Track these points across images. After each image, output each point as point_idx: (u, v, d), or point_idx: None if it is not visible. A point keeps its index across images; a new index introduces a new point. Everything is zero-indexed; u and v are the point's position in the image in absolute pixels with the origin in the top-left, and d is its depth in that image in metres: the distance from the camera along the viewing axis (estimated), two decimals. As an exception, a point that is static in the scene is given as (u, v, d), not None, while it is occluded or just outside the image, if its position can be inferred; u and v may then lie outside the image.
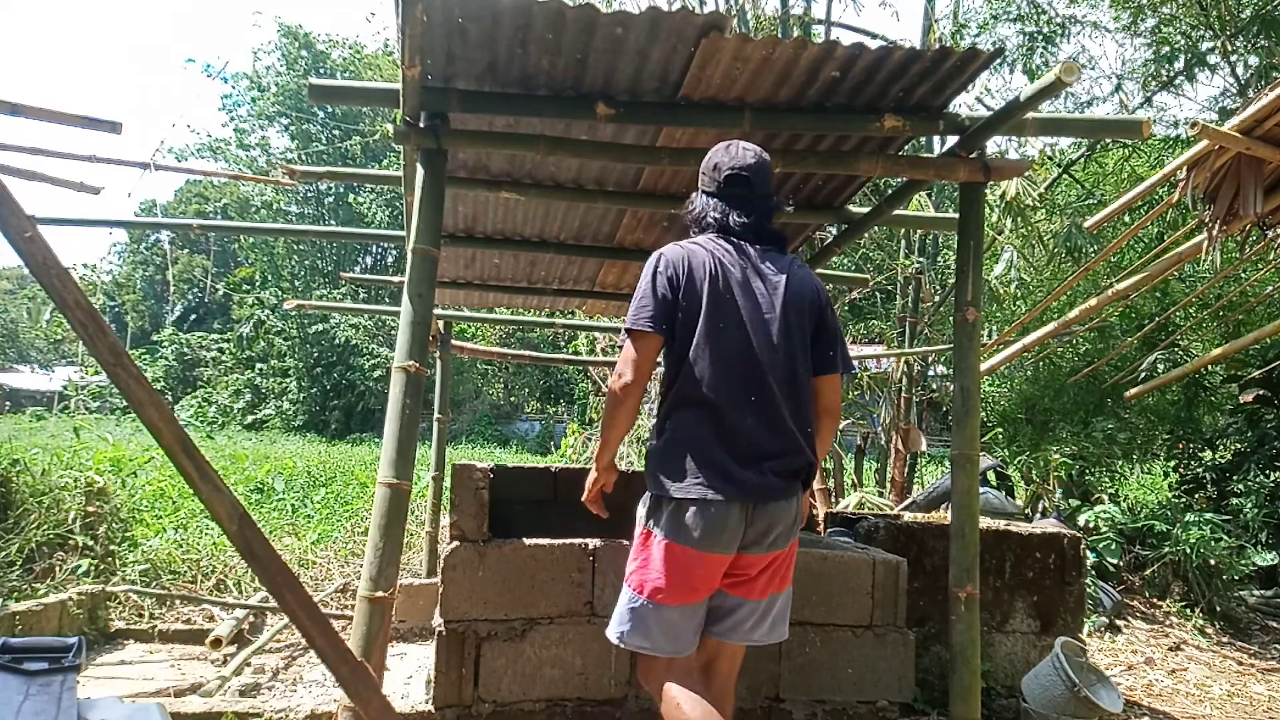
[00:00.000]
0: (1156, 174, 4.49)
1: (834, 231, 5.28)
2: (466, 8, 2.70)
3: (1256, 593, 7.62)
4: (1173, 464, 9.62)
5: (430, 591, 5.25)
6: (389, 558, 2.91)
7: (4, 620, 4.33)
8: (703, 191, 2.67)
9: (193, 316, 40.87)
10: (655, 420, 2.59)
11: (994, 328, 8.98)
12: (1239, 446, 8.85)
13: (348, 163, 29.94)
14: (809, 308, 2.56)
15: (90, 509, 5.81)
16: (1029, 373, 9.39)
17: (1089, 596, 5.86)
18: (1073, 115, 8.64)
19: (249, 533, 2.42)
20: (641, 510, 2.58)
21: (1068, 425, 8.69)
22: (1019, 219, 7.53)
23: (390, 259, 33.54)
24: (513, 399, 32.70)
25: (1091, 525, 7.21)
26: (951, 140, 3.47)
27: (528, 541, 3.43)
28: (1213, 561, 6.80)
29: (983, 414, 7.43)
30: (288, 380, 29.91)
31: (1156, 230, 7.80)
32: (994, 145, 3.75)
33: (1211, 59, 8.37)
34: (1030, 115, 3.25)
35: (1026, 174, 7.07)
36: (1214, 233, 4.03)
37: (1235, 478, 8.38)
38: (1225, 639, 6.38)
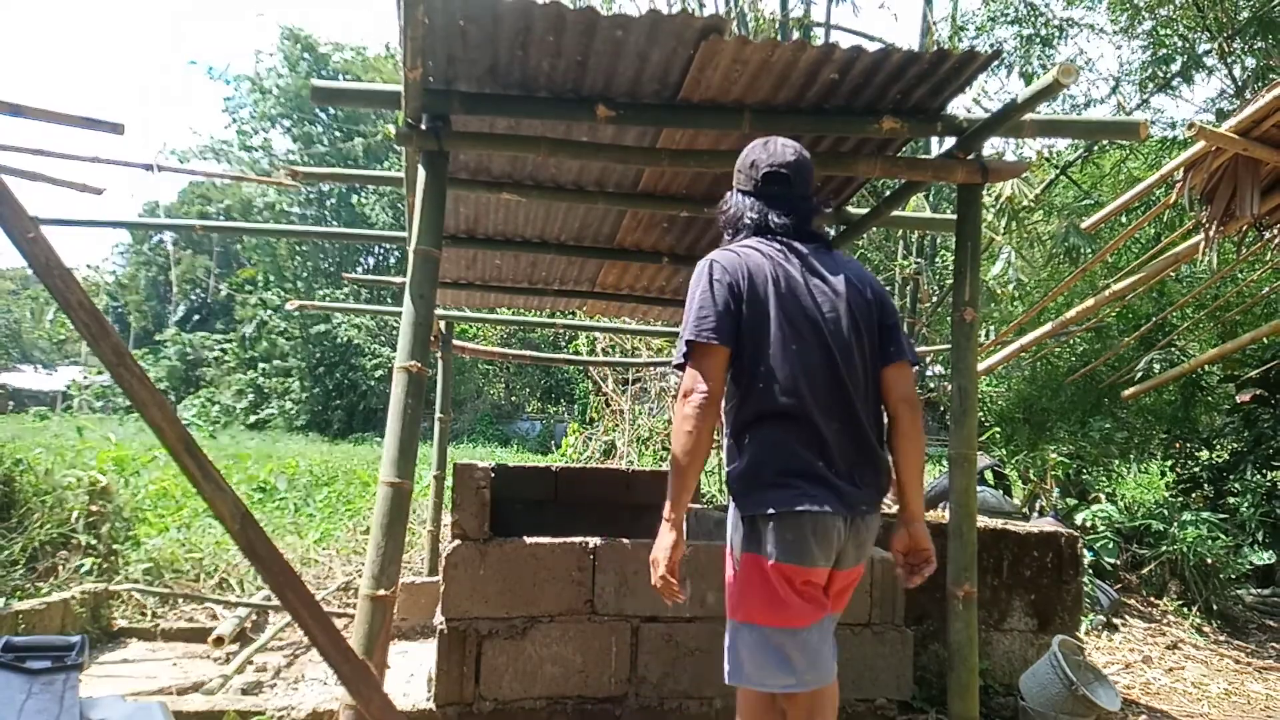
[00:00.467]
0: (1154, 175, 4.51)
1: (832, 232, 5.30)
2: (468, 10, 2.72)
3: (1253, 591, 7.64)
4: (1170, 463, 9.63)
5: (432, 590, 5.27)
6: (391, 556, 2.93)
7: (7, 619, 4.36)
8: (738, 190, 2.53)
9: (196, 317, 40.89)
10: (728, 441, 2.37)
11: (991, 328, 9.01)
12: (1236, 446, 8.87)
13: (350, 164, 29.98)
14: (871, 302, 2.41)
15: (93, 508, 5.83)
16: (1026, 372, 9.42)
17: (1086, 595, 5.88)
18: (1070, 117, 8.66)
19: (251, 532, 2.44)
20: (736, 537, 2.32)
21: (1065, 425, 8.71)
22: (1014, 220, 7.55)
23: (392, 260, 33.56)
24: (514, 399, 32.71)
25: (1089, 524, 7.23)
26: (949, 142, 3.49)
27: (529, 540, 3.46)
28: (1210, 560, 6.82)
29: (980, 413, 7.46)
30: (290, 380, 29.94)
31: (1154, 231, 7.83)
32: (991, 147, 3.77)
33: (1209, 60, 8.39)
34: (1028, 117, 3.27)
35: (1023, 175, 7.10)
36: (1211, 233, 4.05)
37: (1232, 477, 8.39)
38: (1222, 637, 6.40)
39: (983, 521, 4.35)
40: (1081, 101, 9.80)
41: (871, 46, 2.97)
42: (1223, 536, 6.98)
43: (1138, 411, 8.74)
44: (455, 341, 6.92)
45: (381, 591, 2.91)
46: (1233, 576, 6.97)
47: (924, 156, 4.24)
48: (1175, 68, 8.38)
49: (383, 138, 27.94)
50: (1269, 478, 8.13)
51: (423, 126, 3.18)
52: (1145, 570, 7.15)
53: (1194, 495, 8.68)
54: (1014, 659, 4.50)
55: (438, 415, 6.48)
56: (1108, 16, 9.15)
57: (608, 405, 12.10)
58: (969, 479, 3.26)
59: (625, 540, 3.55)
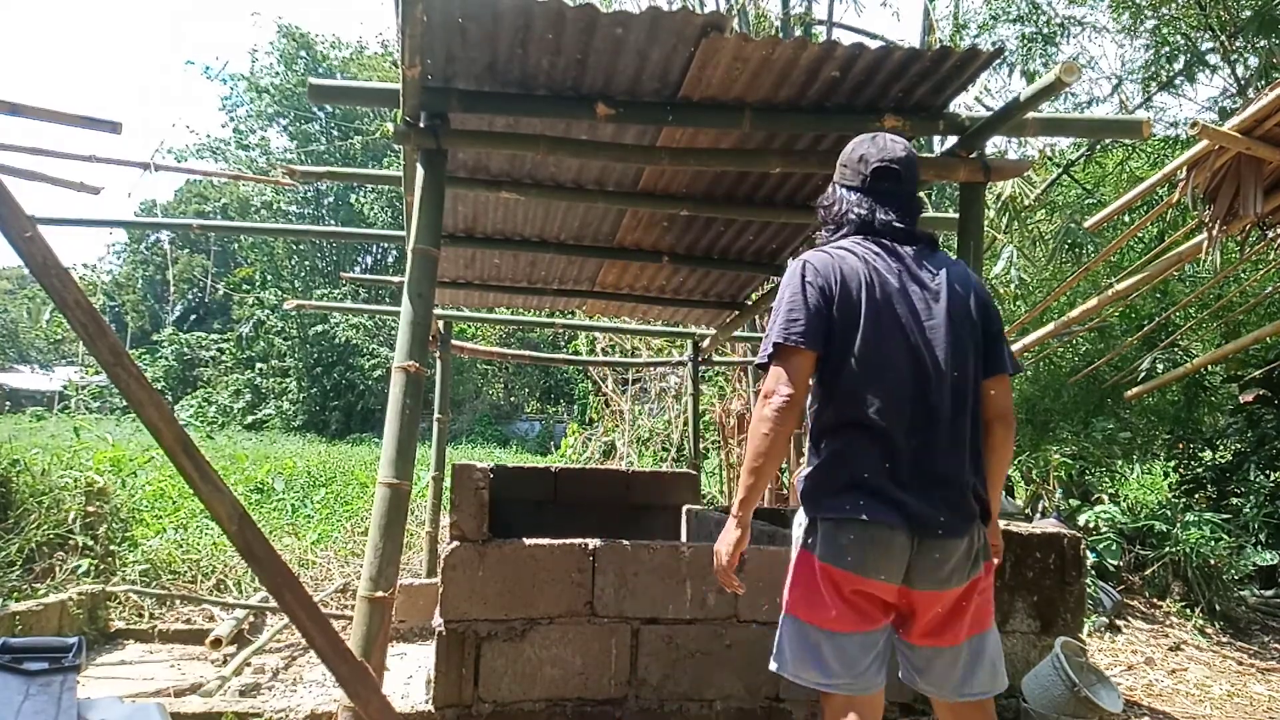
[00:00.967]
0: (1156, 174, 4.49)
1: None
2: (466, 8, 2.70)
3: (1256, 593, 7.62)
4: (1173, 464, 9.61)
5: (430, 591, 5.25)
6: (389, 558, 2.91)
7: (4, 620, 4.33)
8: (842, 185, 2.39)
9: (193, 316, 40.87)
10: (807, 444, 2.34)
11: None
12: (1239, 446, 8.85)
13: (348, 163, 29.97)
14: (974, 309, 2.28)
15: (90, 509, 5.81)
16: (1029, 373, 9.40)
17: (1089, 596, 5.86)
18: (1073, 115, 8.65)
19: (249, 533, 2.42)
20: (797, 532, 2.32)
21: (1068, 425, 8.69)
22: (1016, 219, 7.54)
23: (390, 259, 33.56)
24: (513, 399, 32.72)
25: (1091, 525, 7.21)
26: (951, 140, 3.47)
27: (528, 541, 3.43)
28: (1213, 561, 6.80)
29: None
30: (288, 380, 29.93)
31: (1157, 230, 7.81)
32: (993, 145, 3.75)
33: (1211, 59, 8.38)
34: (1030, 115, 3.26)
35: (1025, 174, 7.08)
36: (1214, 233, 4.03)
37: (1235, 478, 8.38)
38: (1225, 639, 6.38)
39: (985, 522, 4.31)
40: (1084, 100, 9.79)
41: (873, 44, 2.96)
42: (1226, 537, 6.96)
43: (1140, 412, 8.73)
44: (454, 341, 6.91)
45: (380, 593, 2.89)
46: (1236, 578, 6.95)
47: (926, 155, 4.22)
48: (1178, 66, 8.37)
49: (381, 136, 27.93)
50: (1272, 478, 8.11)
51: (421, 125, 3.17)
52: (1148, 571, 7.13)
53: (1197, 496, 8.66)
54: (1016, 661, 4.48)
55: (436, 415, 6.46)
56: (1110, 16, 9.14)
57: (607, 405, 12.09)
58: (972, 480, 3.22)
59: (625, 541, 3.52)
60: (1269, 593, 7.67)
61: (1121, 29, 9.14)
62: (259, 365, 30.95)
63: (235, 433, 24.66)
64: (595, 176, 4.06)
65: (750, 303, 5.93)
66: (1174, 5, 8.54)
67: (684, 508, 5.53)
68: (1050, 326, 5.46)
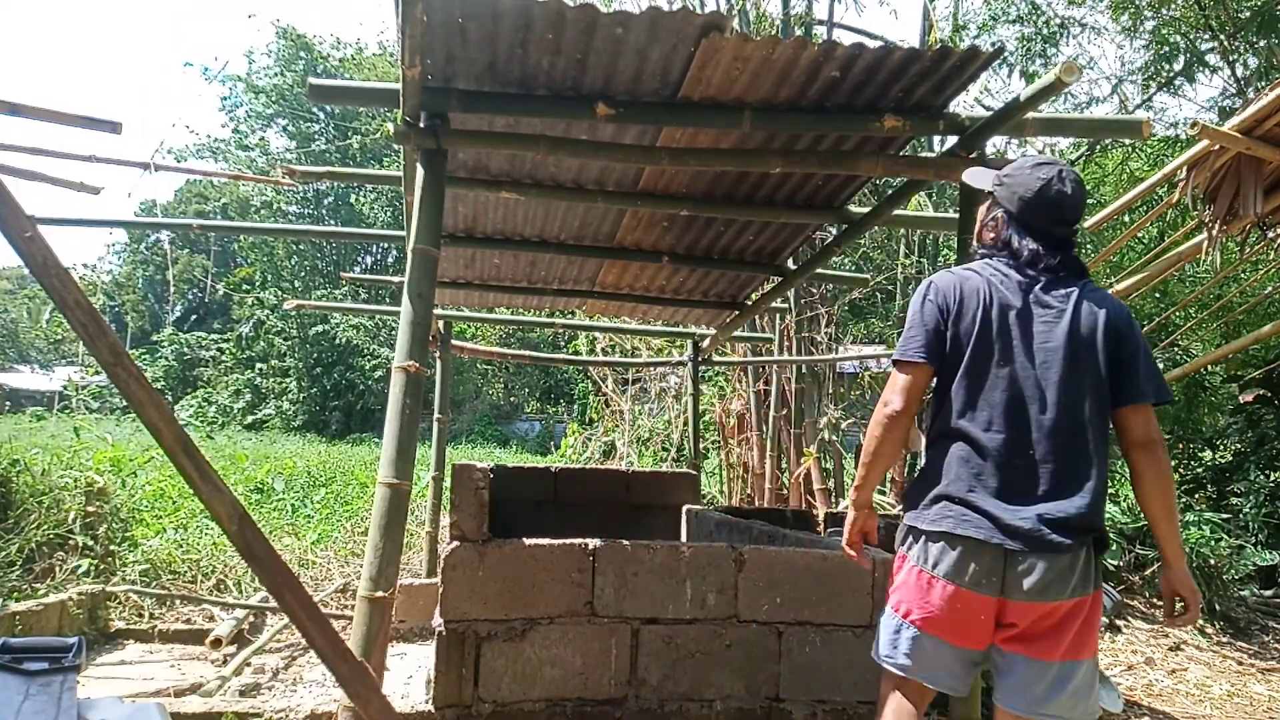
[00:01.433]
0: (1156, 174, 4.49)
1: (834, 231, 5.29)
2: (466, 8, 2.70)
3: (1256, 593, 7.62)
4: (1173, 464, 9.62)
5: (430, 591, 5.25)
6: (389, 558, 2.91)
7: (4, 620, 4.33)
8: (1000, 204, 2.42)
9: (193, 316, 40.87)
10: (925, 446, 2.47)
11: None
12: (1239, 446, 8.86)
13: (347, 162, 29.98)
14: (1104, 335, 2.27)
15: (90, 509, 5.81)
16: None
17: (1089, 596, 5.85)
18: (1073, 115, 8.65)
19: (249, 533, 2.42)
20: (899, 534, 2.45)
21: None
22: None
23: (390, 259, 33.56)
24: (513, 399, 32.72)
25: (1091, 525, 7.19)
26: (951, 140, 3.47)
27: (528, 542, 3.43)
28: (1213, 561, 6.80)
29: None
30: (288, 380, 29.93)
31: (1156, 230, 7.81)
32: (993, 145, 3.75)
33: (1211, 59, 8.38)
34: (1030, 115, 3.25)
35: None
36: (1214, 233, 4.03)
37: (1235, 478, 8.38)
38: (1225, 639, 6.38)
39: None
40: (1084, 100, 9.80)
41: (873, 44, 2.95)
42: (1226, 537, 6.96)
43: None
44: (454, 341, 6.91)
45: (380, 593, 2.88)
46: (1236, 578, 6.95)
47: (926, 155, 4.22)
48: (1178, 66, 8.37)
49: (381, 136, 27.93)
50: (1272, 478, 8.12)
51: (421, 125, 3.16)
52: (1148, 571, 7.12)
53: (1197, 496, 8.67)
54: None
55: (436, 415, 6.46)
56: (1109, 16, 9.14)
57: (607, 405, 12.09)
58: (972, 480, 3.22)
59: (625, 541, 3.52)
60: (1269, 593, 7.67)
61: (1121, 29, 9.14)
62: (259, 365, 30.96)
63: (235, 433, 24.67)
64: (595, 176, 4.06)
65: (750, 303, 5.93)
66: (1173, 5, 8.54)
67: (684, 508, 5.53)
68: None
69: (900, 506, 2.49)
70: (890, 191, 4.79)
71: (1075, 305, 2.28)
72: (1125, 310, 2.35)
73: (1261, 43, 7.68)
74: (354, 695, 2.61)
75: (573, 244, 4.99)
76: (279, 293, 29.79)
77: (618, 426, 11.69)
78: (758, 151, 3.62)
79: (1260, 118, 3.50)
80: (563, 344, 16.59)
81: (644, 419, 11.80)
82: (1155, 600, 6.97)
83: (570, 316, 9.02)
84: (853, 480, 2.53)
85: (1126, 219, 6.93)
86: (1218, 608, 6.71)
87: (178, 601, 5.55)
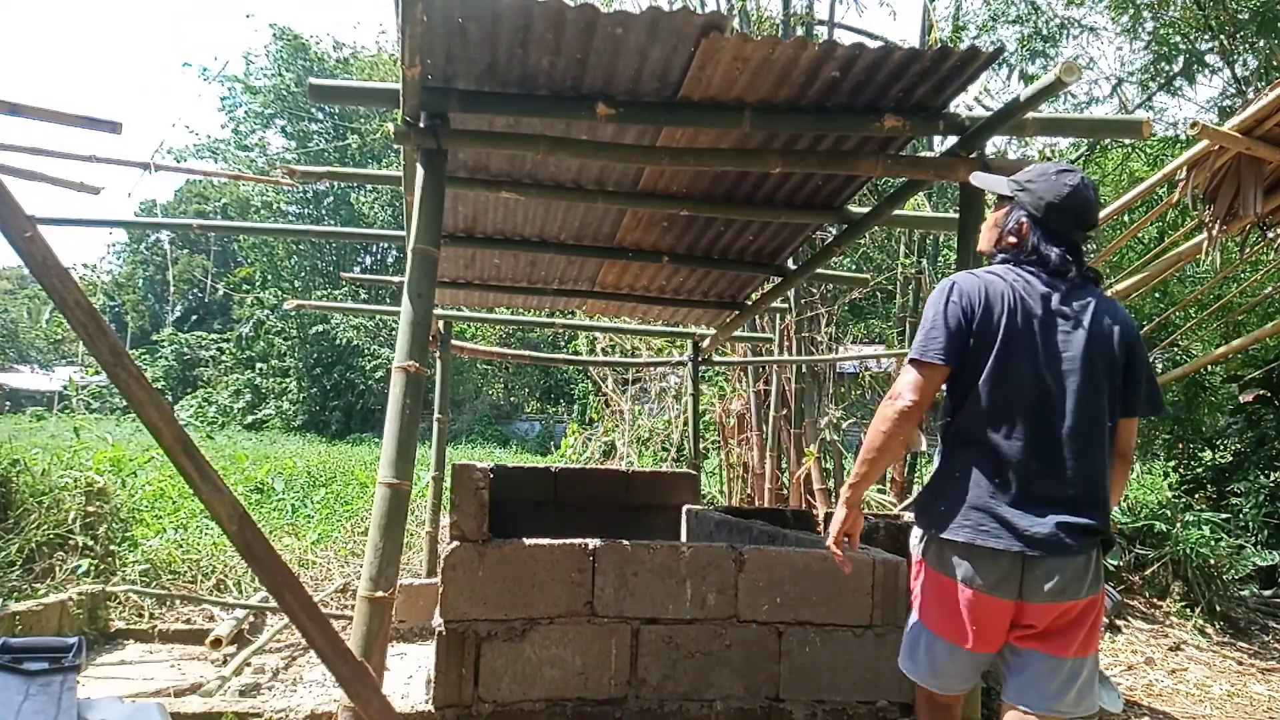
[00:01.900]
0: (1156, 174, 4.49)
1: (834, 231, 5.28)
2: (466, 8, 2.70)
3: (1256, 593, 7.62)
4: (1173, 464, 9.62)
5: (430, 591, 5.25)
6: (389, 558, 2.91)
7: (4, 620, 4.33)
8: (1021, 208, 2.43)
9: (193, 316, 40.87)
10: (939, 451, 2.46)
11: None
12: (1239, 447, 8.86)
13: (346, 162, 29.97)
14: (1118, 346, 2.32)
15: (90, 509, 5.81)
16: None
17: (1089, 596, 5.85)
18: (1072, 115, 8.64)
19: (249, 533, 2.42)
20: (914, 540, 2.49)
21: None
22: None
23: (390, 259, 33.57)
24: (513, 399, 32.72)
25: (1091, 525, 7.20)
26: (951, 140, 3.47)
27: (528, 542, 3.43)
28: (1213, 562, 6.80)
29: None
30: (288, 380, 29.93)
31: (1156, 230, 7.81)
32: (994, 145, 3.75)
33: (1210, 59, 8.38)
34: (1030, 115, 3.25)
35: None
36: (1214, 233, 4.02)
37: (1235, 478, 8.38)
38: (1225, 639, 6.38)
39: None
40: (1084, 100, 9.79)
41: (873, 44, 2.95)
42: (1226, 538, 6.96)
43: (1140, 412, 8.71)
44: (454, 341, 6.90)
45: (380, 593, 2.88)
46: (1236, 578, 6.95)
47: (926, 155, 4.22)
48: (1177, 66, 8.37)
49: (381, 136, 27.94)
50: (1272, 478, 8.12)
51: (421, 125, 3.16)
52: (1148, 571, 7.12)
53: (1197, 496, 8.67)
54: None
55: (436, 415, 6.46)
56: (1109, 16, 9.14)
57: (607, 405, 12.09)
58: (972, 480, 3.22)
59: (625, 541, 3.52)
60: (1269, 593, 7.67)
61: (1121, 30, 9.14)
62: (259, 365, 30.96)
63: (235, 433, 24.68)
64: (595, 176, 4.06)
65: (750, 303, 5.93)
66: (1173, 6, 8.54)
67: (684, 508, 5.53)
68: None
69: (911, 511, 2.48)
70: (890, 191, 4.79)
71: (1094, 315, 2.31)
72: (1134, 323, 2.40)
73: (1261, 43, 7.68)
74: (354, 695, 2.61)
75: (573, 244, 4.99)
76: (279, 293, 29.78)
77: (618, 426, 11.68)
78: (758, 151, 3.62)
79: (1260, 118, 3.50)
80: (563, 344, 16.59)
81: (644, 419, 11.80)
82: (1155, 600, 6.98)
83: (570, 316, 9.02)
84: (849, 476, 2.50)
85: (1126, 219, 6.93)
86: (1218, 607, 6.72)
87: (178, 601, 5.55)
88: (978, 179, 2.68)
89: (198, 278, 39.58)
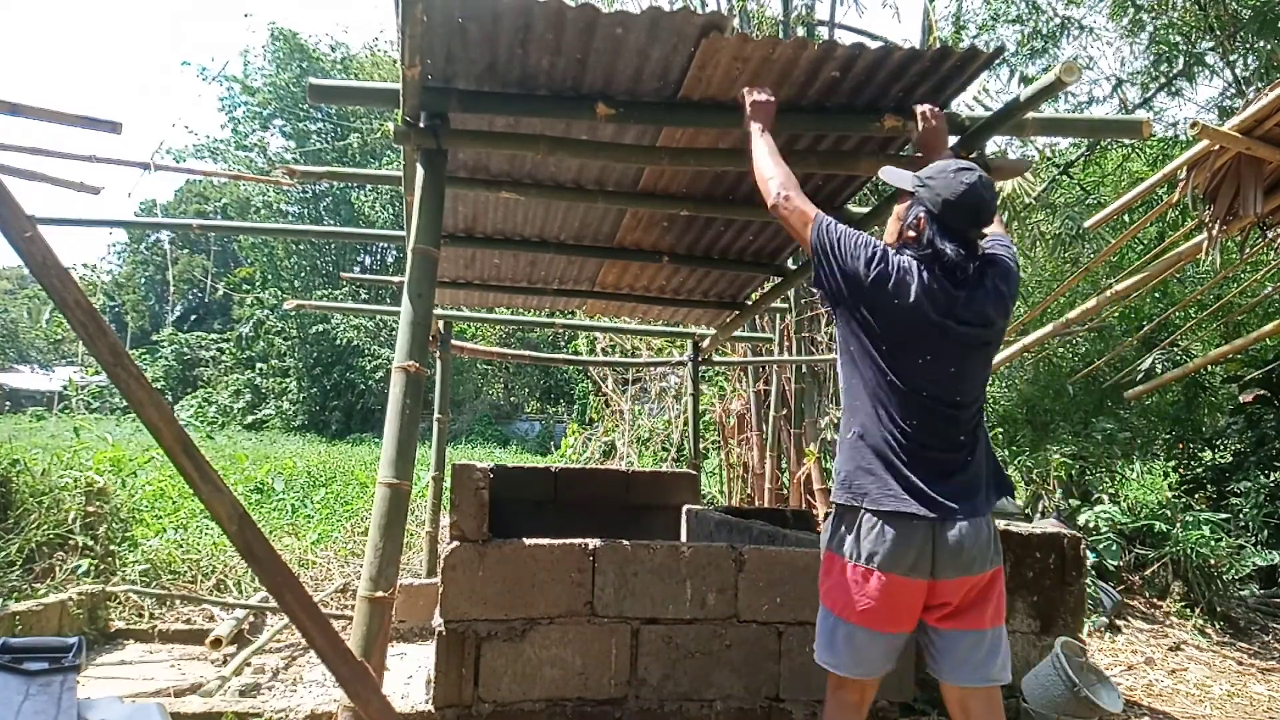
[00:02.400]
0: (1156, 174, 4.48)
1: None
2: (466, 8, 2.70)
3: (1256, 593, 7.62)
4: (1172, 464, 9.63)
5: (430, 591, 5.25)
6: (389, 558, 2.91)
7: (4, 620, 4.33)
8: (921, 204, 2.50)
9: (193, 316, 40.88)
10: (840, 436, 2.58)
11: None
12: (1239, 447, 8.86)
13: (345, 162, 29.97)
14: (994, 333, 2.53)
15: (90, 509, 5.81)
16: (1029, 373, 9.39)
17: (1089, 596, 5.86)
18: (1072, 115, 8.64)
19: (249, 533, 2.42)
20: (826, 530, 2.57)
21: (1068, 425, 8.69)
22: (1014, 219, 7.54)
23: (390, 259, 33.56)
24: (513, 399, 32.72)
25: (1091, 525, 7.21)
26: (952, 140, 3.46)
27: (528, 541, 3.43)
28: (1212, 561, 6.80)
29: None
30: (288, 380, 29.93)
31: (1156, 230, 7.80)
32: (994, 145, 3.75)
33: (1210, 60, 8.37)
34: (1030, 115, 3.25)
35: (1024, 174, 7.07)
36: (1214, 233, 4.02)
37: (1235, 478, 8.38)
38: (1225, 639, 6.38)
39: (985, 522, 4.31)
40: (1084, 100, 9.78)
41: (873, 45, 2.95)
42: (1225, 537, 6.96)
43: (1141, 412, 8.73)
44: (454, 341, 6.90)
45: (380, 593, 2.88)
46: (1236, 578, 6.95)
47: (926, 155, 4.21)
48: (1177, 67, 8.37)
49: (381, 135, 27.94)
50: (1272, 478, 8.11)
51: (421, 125, 3.16)
52: (1148, 571, 7.13)
53: (1197, 496, 8.67)
54: (1016, 660, 4.48)
55: (436, 415, 6.46)
56: (1108, 16, 9.13)
57: (607, 405, 12.09)
58: (972, 480, 3.22)
59: (625, 541, 3.52)
60: (1268, 592, 7.67)
61: (1121, 30, 9.13)
62: (259, 365, 30.96)
63: (235, 433, 24.67)
64: (595, 176, 4.06)
65: (750, 303, 5.93)
66: (1172, 6, 8.53)
67: (684, 508, 5.54)
68: (1048, 328, 5.45)
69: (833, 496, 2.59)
70: (890, 192, 4.78)
71: (979, 304, 2.46)
72: (1008, 307, 2.57)
73: (1262, 43, 7.68)
74: (354, 695, 2.61)
75: (573, 244, 4.98)
76: (279, 293, 29.78)
77: (618, 426, 11.69)
78: (758, 151, 3.61)
79: (1260, 118, 3.50)
80: (563, 344, 16.58)
81: (644, 419, 11.80)
82: (1155, 600, 6.98)
83: (570, 316, 9.01)
84: None
85: (1126, 219, 6.93)
86: (1218, 608, 6.72)
87: (178, 601, 5.55)
88: (886, 173, 2.75)
89: (198, 278, 39.59)
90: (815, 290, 2.63)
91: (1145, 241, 8.08)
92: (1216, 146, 3.72)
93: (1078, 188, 9.79)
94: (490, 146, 3.51)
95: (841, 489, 2.52)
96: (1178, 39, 8.56)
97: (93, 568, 5.43)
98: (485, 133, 3.44)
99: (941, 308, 2.41)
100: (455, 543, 3.38)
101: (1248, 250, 5.20)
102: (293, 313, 28.24)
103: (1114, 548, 6.95)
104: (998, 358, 5.80)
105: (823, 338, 8.76)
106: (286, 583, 2.48)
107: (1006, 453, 9.51)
